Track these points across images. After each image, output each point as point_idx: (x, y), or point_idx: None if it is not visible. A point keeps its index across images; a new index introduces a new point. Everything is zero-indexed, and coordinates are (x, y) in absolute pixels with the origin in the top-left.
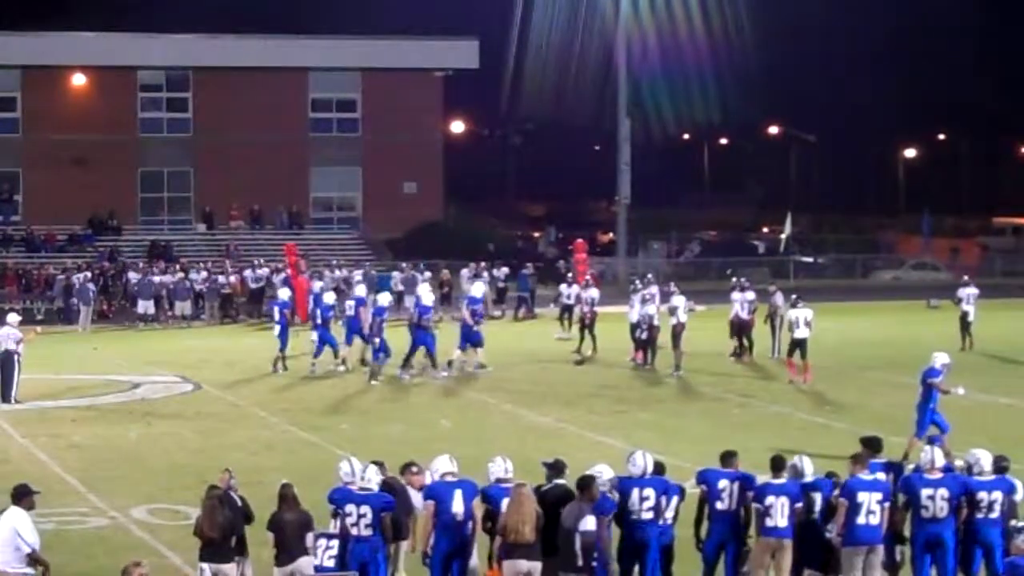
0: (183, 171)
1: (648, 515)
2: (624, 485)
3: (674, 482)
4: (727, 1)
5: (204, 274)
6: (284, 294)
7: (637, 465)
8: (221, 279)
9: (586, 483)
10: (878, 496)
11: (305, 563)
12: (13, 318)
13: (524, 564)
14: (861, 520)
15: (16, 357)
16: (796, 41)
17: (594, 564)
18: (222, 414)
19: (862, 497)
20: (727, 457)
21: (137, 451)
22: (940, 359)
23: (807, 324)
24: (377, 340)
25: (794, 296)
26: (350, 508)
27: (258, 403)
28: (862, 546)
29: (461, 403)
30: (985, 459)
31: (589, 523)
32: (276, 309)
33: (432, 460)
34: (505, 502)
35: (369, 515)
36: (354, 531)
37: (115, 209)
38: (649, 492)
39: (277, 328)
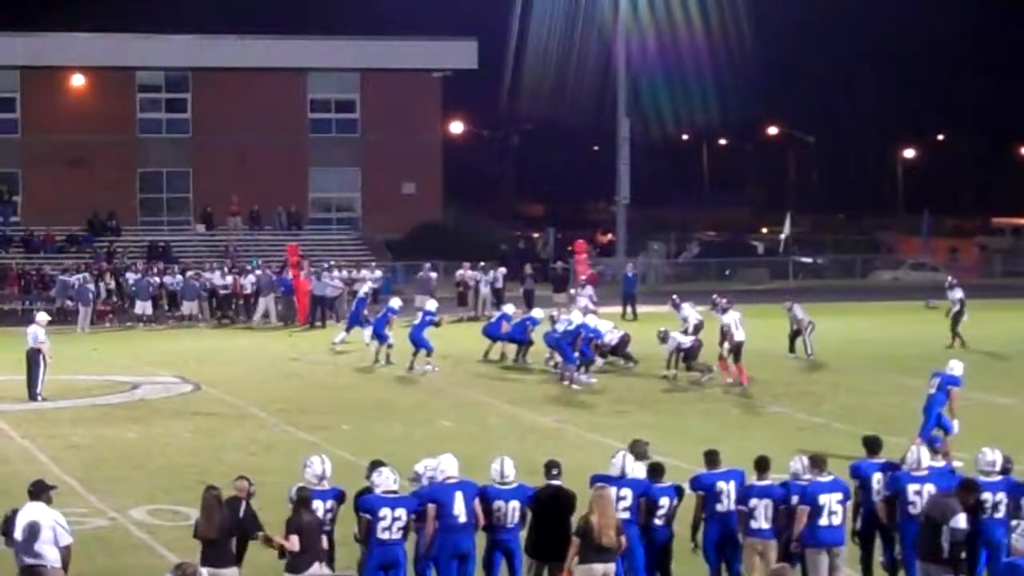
0: (182, 172)
1: (625, 515)
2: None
3: (667, 484)
4: (727, 2)
5: (190, 273)
6: (395, 303)
7: (615, 466)
8: (214, 278)
9: (966, 487)
10: (838, 496)
11: (317, 569)
12: (42, 317)
13: (599, 568)
14: (823, 522)
15: (41, 355)
16: (795, 42)
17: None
18: (221, 415)
19: (823, 499)
20: (712, 457)
21: (136, 452)
22: (960, 367)
23: (741, 326)
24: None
25: (724, 300)
26: (384, 512)
27: (257, 404)
28: (824, 547)
29: (461, 403)
30: (996, 458)
31: (960, 521)
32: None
33: (437, 458)
34: (498, 503)
35: (403, 518)
36: (385, 535)
37: (114, 210)
38: (626, 492)
39: (372, 328)
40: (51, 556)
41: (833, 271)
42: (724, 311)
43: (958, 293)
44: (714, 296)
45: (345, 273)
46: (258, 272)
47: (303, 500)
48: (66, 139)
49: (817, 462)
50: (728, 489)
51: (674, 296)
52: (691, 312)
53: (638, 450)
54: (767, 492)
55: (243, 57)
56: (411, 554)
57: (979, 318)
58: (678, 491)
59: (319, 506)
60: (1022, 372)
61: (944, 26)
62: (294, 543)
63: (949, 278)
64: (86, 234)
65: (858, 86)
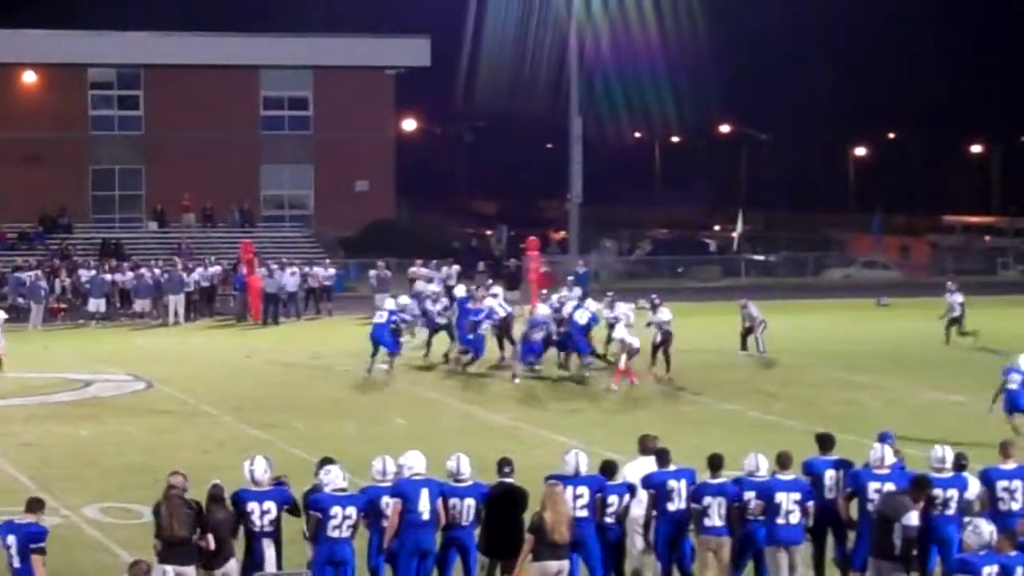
0: (134, 169)
1: (583, 512)
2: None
3: (619, 482)
4: (680, 0)
5: (142, 270)
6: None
7: (569, 464)
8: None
9: (918, 484)
10: (796, 496)
11: (233, 566)
12: None
13: (554, 565)
14: (780, 520)
15: None
16: (748, 40)
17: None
18: (174, 412)
19: (779, 497)
20: (662, 456)
21: (89, 449)
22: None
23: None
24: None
25: (653, 297)
26: (335, 511)
27: (210, 401)
28: (782, 545)
29: (415, 401)
30: (947, 455)
31: (912, 519)
32: (386, 314)
33: (403, 455)
34: (454, 500)
35: (354, 516)
36: (335, 533)
37: (66, 207)
38: (582, 490)
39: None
40: None
41: (785, 269)
42: (655, 308)
43: (959, 297)
44: (652, 297)
45: (296, 270)
46: (168, 271)
47: (212, 497)
48: (18, 136)
49: (781, 460)
50: (679, 488)
51: (609, 293)
52: (624, 308)
53: (647, 444)
54: (721, 490)
55: (195, 54)
56: (361, 551)
57: (932, 316)
58: (630, 489)
59: (255, 508)
60: (973, 370)
61: (896, 25)
62: (210, 541)
63: (949, 283)
64: (38, 231)
65: (811, 84)
